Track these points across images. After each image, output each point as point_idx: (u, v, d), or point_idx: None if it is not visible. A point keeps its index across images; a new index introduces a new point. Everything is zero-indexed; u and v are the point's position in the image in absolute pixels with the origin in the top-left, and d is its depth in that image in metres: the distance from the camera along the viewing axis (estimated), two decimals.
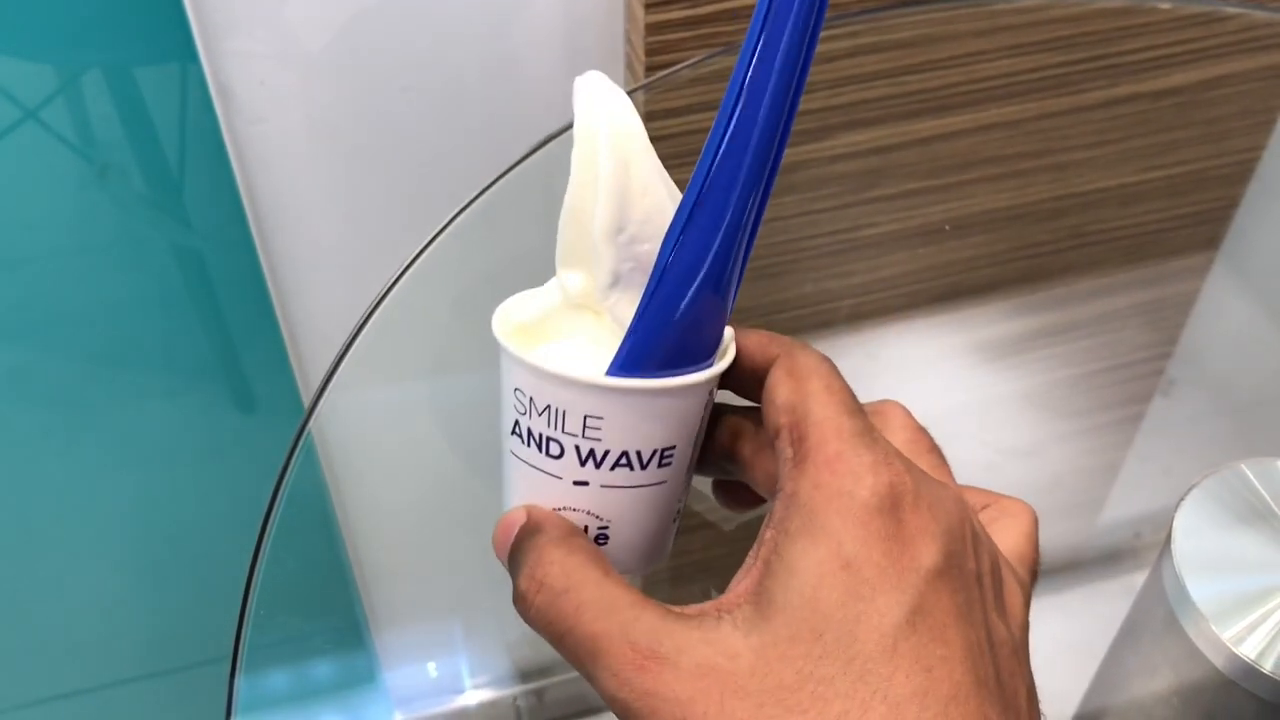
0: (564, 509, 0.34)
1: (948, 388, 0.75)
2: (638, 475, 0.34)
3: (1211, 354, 0.82)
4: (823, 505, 0.29)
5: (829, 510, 0.29)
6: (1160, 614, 0.41)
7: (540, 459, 0.34)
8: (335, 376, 0.60)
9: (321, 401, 0.59)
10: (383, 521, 0.84)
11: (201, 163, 0.76)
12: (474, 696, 0.92)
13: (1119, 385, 0.80)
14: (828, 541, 0.29)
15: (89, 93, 0.76)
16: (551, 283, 0.35)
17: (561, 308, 0.35)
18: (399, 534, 0.84)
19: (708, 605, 0.30)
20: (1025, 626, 0.33)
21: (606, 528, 0.34)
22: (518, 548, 0.33)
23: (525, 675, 0.82)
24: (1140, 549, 0.91)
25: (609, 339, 0.33)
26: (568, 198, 0.33)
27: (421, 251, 0.63)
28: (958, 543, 0.30)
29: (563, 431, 0.33)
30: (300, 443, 0.56)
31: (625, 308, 0.33)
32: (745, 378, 0.35)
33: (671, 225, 0.31)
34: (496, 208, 0.64)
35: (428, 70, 0.73)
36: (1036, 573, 0.35)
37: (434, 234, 0.63)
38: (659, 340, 0.32)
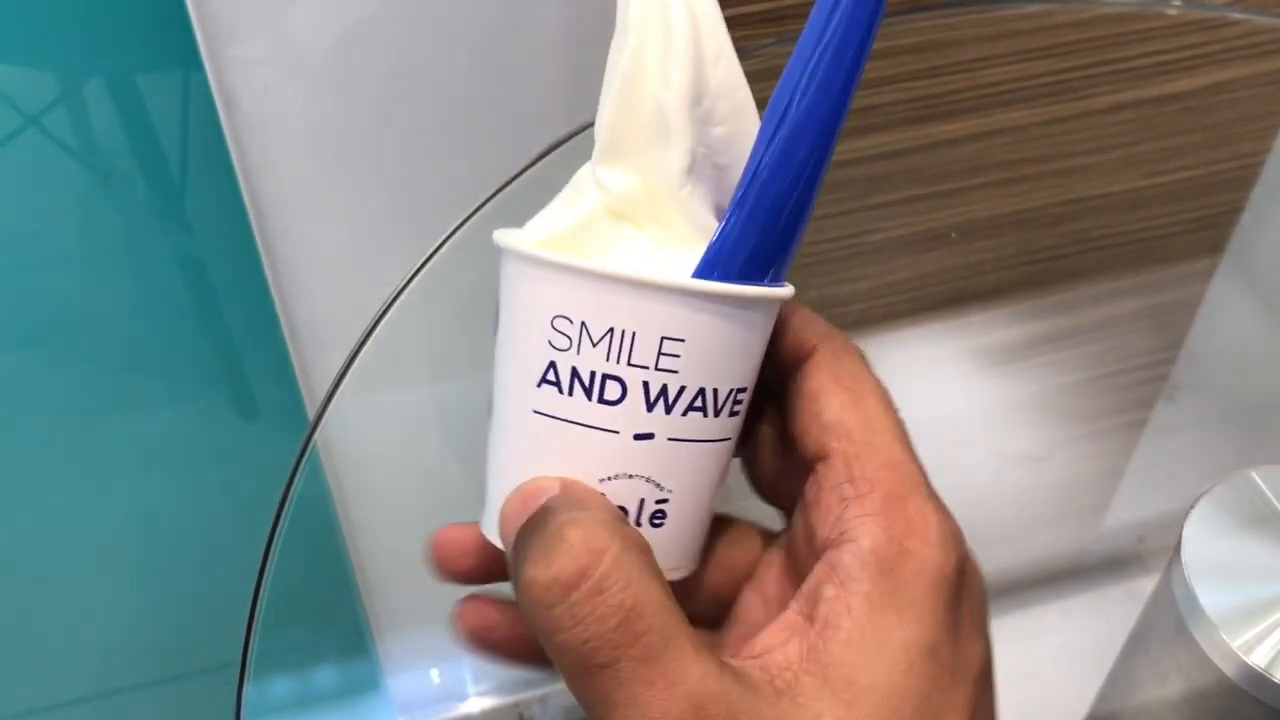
0: (618, 475, 0.27)
1: (953, 393, 0.75)
2: (709, 425, 0.27)
3: (1216, 359, 0.82)
4: (913, 575, 0.26)
5: (919, 582, 0.26)
6: (1170, 622, 0.41)
7: (590, 410, 0.26)
8: (342, 385, 0.60)
9: (328, 410, 0.59)
10: (386, 528, 0.84)
11: (204, 170, 0.76)
12: (477, 704, 0.92)
13: (1124, 390, 0.80)
14: (917, 622, 0.26)
15: (91, 100, 0.76)
16: (581, 189, 0.29)
17: (597, 217, 0.28)
18: (402, 541, 0.84)
19: (750, 665, 0.26)
20: None
21: (666, 501, 0.27)
22: (545, 518, 0.26)
23: (529, 682, 0.82)
24: (1145, 554, 0.91)
25: (669, 250, 0.27)
26: (621, 69, 0.27)
27: (426, 261, 0.63)
28: (987, 633, 0.29)
29: (628, 364, 0.26)
30: (307, 451, 0.56)
31: (699, 203, 0.28)
32: (775, 357, 0.30)
33: (774, 99, 0.27)
34: (501, 216, 0.64)
35: (431, 78, 0.73)
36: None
37: (439, 243, 0.63)
38: (759, 243, 0.27)
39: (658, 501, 0.27)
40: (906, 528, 0.27)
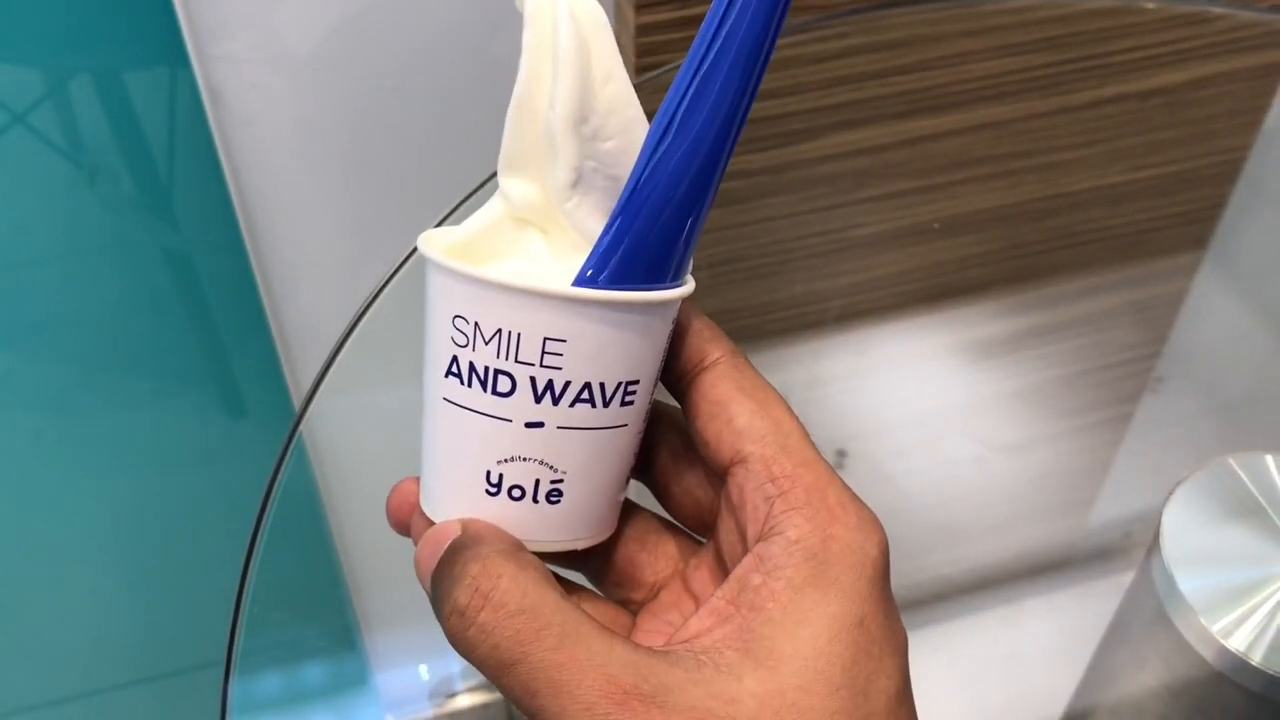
0: (513, 459, 0.30)
1: (937, 388, 0.75)
2: (599, 414, 0.30)
3: (1200, 353, 0.82)
4: (836, 558, 0.28)
5: (843, 565, 0.28)
6: (1150, 608, 0.41)
7: (485, 400, 0.29)
8: (325, 380, 0.60)
9: (312, 405, 0.59)
10: (374, 524, 0.84)
11: (191, 166, 0.76)
12: (465, 700, 0.92)
13: (1108, 385, 0.81)
14: (841, 597, 0.27)
15: (77, 97, 0.76)
16: (490, 200, 0.31)
17: (502, 223, 0.31)
18: (390, 537, 0.84)
19: (677, 648, 0.28)
20: None
21: (561, 481, 0.30)
22: (452, 559, 0.28)
23: None
24: (1130, 548, 0.91)
25: (563, 255, 0.30)
26: (517, 89, 0.30)
27: (410, 255, 0.63)
28: None
29: (515, 361, 0.29)
30: (291, 446, 0.56)
31: (586, 213, 0.30)
32: (673, 368, 0.32)
33: (662, 110, 0.28)
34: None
35: (418, 73, 0.73)
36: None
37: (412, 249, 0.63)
38: (638, 249, 0.29)
39: (553, 481, 0.30)
40: (829, 516, 0.28)
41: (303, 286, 0.80)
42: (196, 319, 0.87)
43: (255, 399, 0.91)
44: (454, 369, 0.29)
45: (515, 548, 0.29)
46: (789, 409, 0.30)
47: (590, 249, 0.29)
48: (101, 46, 0.74)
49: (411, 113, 0.74)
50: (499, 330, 0.29)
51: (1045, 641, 0.82)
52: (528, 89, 0.30)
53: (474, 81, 0.75)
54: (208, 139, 0.72)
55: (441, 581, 0.28)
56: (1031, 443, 0.79)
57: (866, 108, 0.68)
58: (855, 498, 0.29)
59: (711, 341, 0.31)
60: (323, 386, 0.61)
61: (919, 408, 0.73)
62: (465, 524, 0.29)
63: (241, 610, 0.53)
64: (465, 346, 0.29)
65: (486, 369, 0.29)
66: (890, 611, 0.28)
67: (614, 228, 0.29)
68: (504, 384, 0.29)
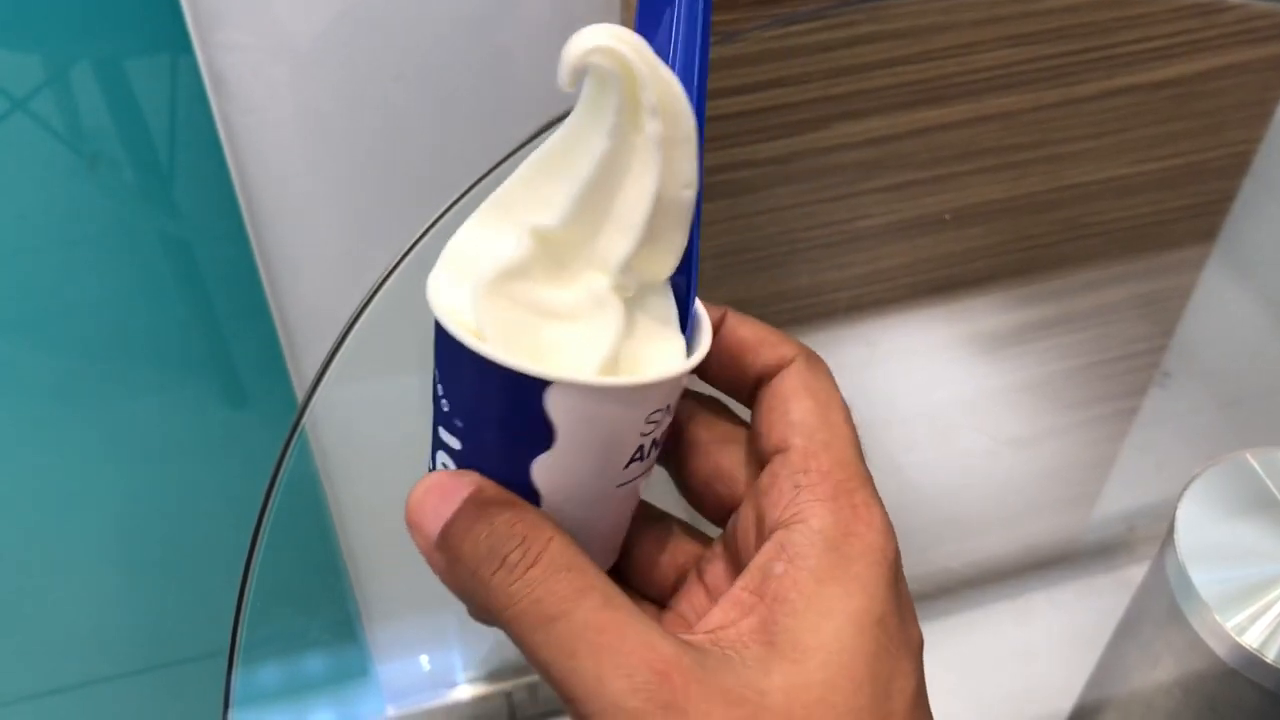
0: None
1: (945, 379, 0.75)
2: (646, 464, 0.31)
3: (1207, 347, 0.82)
4: (859, 554, 0.28)
5: (865, 561, 0.28)
6: (1163, 603, 0.41)
7: (630, 469, 0.30)
8: (329, 370, 0.60)
9: (315, 395, 0.59)
10: (376, 516, 0.84)
11: (193, 154, 0.75)
12: (466, 691, 0.91)
13: (1115, 378, 0.80)
14: (863, 593, 0.27)
15: (78, 84, 0.75)
16: (505, 231, 0.28)
17: (535, 265, 0.28)
18: (392, 528, 0.83)
19: (702, 639, 0.27)
20: None
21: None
22: (489, 515, 0.28)
23: (518, 669, 0.82)
24: (1134, 543, 0.91)
25: (618, 306, 0.28)
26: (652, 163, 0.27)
27: (414, 245, 0.63)
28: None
29: (659, 429, 0.30)
30: (295, 437, 0.56)
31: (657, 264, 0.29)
32: (733, 369, 0.32)
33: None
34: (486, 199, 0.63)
35: (422, 60, 0.72)
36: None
37: (426, 227, 0.62)
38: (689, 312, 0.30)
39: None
40: (853, 514, 0.28)
41: (305, 274, 0.80)
42: (198, 307, 0.87)
43: (257, 388, 0.91)
44: (640, 456, 0.30)
45: (547, 515, 0.29)
46: (848, 416, 0.31)
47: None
48: (103, 33, 0.73)
49: (415, 100, 0.74)
50: (663, 408, 0.30)
51: (1050, 636, 0.82)
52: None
53: (478, 69, 0.74)
54: (210, 126, 0.72)
55: (476, 534, 0.27)
56: (1039, 436, 0.79)
57: (874, 98, 0.68)
58: (880, 505, 0.29)
59: (784, 344, 0.32)
60: (326, 377, 0.60)
61: (926, 400, 0.73)
62: (483, 482, 0.28)
63: (245, 601, 0.53)
64: (649, 433, 0.30)
65: (641, 446, 0.30)
66: (907, 615, 0.29)
67: (689, 292, 0.30)
68: (640, 454, 0.30)
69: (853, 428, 0.31)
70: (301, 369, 0.86)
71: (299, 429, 0.56)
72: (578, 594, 0.26)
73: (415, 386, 0.71)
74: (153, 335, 0.88)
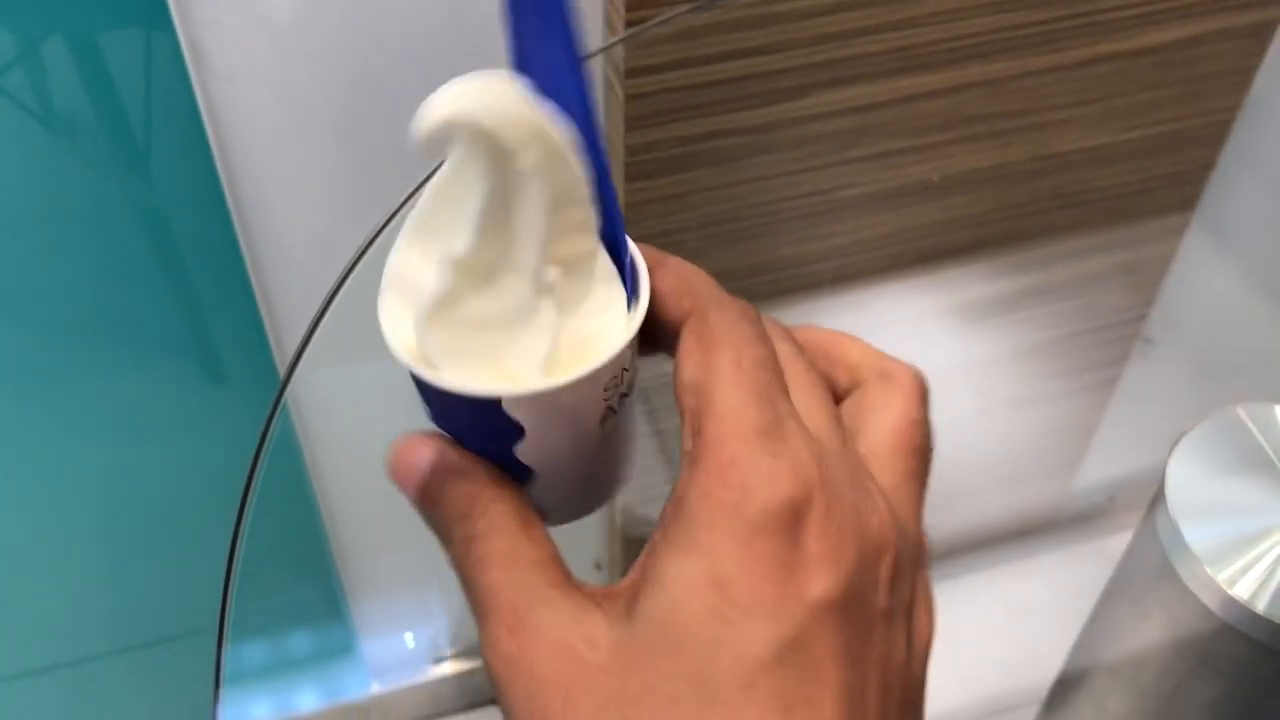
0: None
1: (927, 349, 0.75)
2: (620, 413, 0.33)
3: (1187, 315, 0.82)
4: (705, 519, 0.26)
5: (711, 525, 0.26)
6: (1153, 559, 0.41)
7: (606, 425, 0.32)
8: (309, 347, 0.59)
9: (295, 371, 0.58)
10: (358, 493, 0.83)
11: (171, 127, 0.74)
12: (451, 666, 0.91)
13: (1097, 347, 0.81)
14: (701, 559, 0.26)
15: (50, 57, 0.74)
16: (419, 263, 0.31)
17: (462, 286, 0.30)
18: (375, 506, 0.83)
19: (602, 588, 0.29)
20: (928, 655, 0.30)
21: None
22: (443, 484, 0.31)
23: None
24: (1114, 512, 0.92)
25: (534, 302, 0.30)
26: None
27: (390, 218, 0.62)
28: (867, 574, 0.27)
29: (620, 387, 0.32)
30: (277, 413, 0.55)
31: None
32: (655, 327, 0.31)
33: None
34: None
35: (406, 28, 0.72)
36: (928, 449, 0.32)
37: (402, 201, 0.62)
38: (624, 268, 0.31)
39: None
40: (714, 471, 0.27)
41: (288, 247, 0.79)
42: (177, 282, 0.86)
43: (237, 365, 0.90)
44: (608, 414, 0.32)
45: (495, 479, 0.31)
46: (741, 350, 0.29)
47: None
48: (76, 8, 0.72)
49: (401, 70, 0.73)
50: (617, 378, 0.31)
51: (1034, 603, 0.82)
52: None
53: (460, 40, 0.73)
54: (189, 98, 0.71)
55: (436, 504, 0.31)
56: (1020, 405, 0.79)
57: (857, 65, 0.68)
58: (763, 450, 0.27)
59: (689, 295, 0.31)
60: (306, 353, 0.60)
61: None
62: (440, 447, 0.31)
63: (232, 578, 0.53)
64: (613, 396, 0.32)
65: (609, 407, 0.32)
66: (774, 575, 0.26)
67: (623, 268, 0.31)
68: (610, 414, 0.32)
69: (749, 367, 0.29)
70: (284, 345, 0.86)
71: (280, 406, 0.56)
72: (479, 561, 0.29)
73: (399, 365, 0.70)
74: (130, 312, 0.87)
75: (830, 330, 0.35)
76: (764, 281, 0.72)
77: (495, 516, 0.30)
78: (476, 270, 0.29)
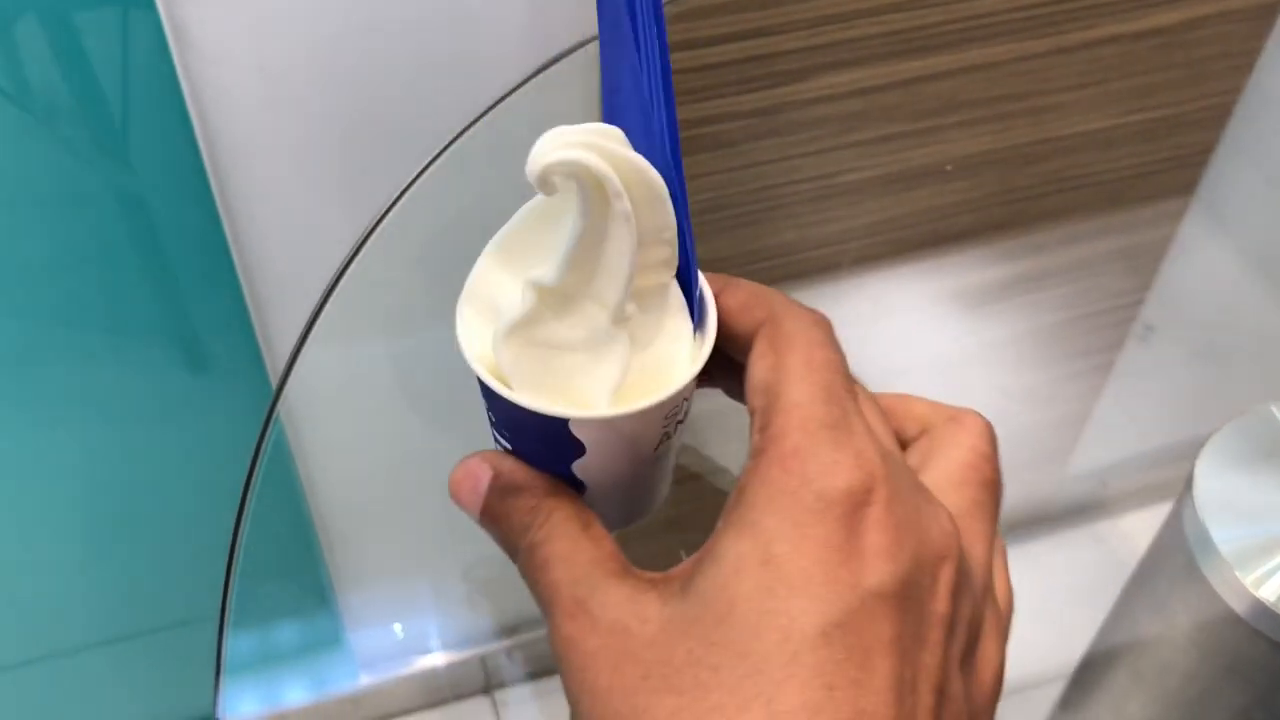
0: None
1: (927, 336, 0.74)
2: (674, 439, 0.35)
3: (1187, 300, 0.82)
4: (763, 503, 0.27)
5: (768, 508, 0.27)
6: (1179, 558, 0.40)
7: (660, 450, 0.34)
8: (309, 338, 0.59)
9: (296, 363, 0.57)
10: (347, 483, 0.82)
11: (152, 108, 0.73)
12: (441, 657, 0.90)
13: (1097, 331, 0.80)
14: (755, 539, 0.27)
15: (24, 37, 0.72)
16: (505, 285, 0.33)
17: (543, 309, 0.32)
18: (363, 496, 0.82)
19: (660, 574, 0.30)
20: (993, 697, 0.30)
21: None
22: (502, 501, 0.33)
23: (493, 634, 0.81)
24: (1107, 499, 0.91)
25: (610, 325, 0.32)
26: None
27: (382, 217, 0.61)
28: (924, 575, 0.27)
29: (679, 416, 0.33)
30: (277, 405, 0.54)
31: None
32: (734, 347, 0.32)
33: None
34: (466, 156, 0.62)
35: (394, 10, 0.70)
36: (997, 485, 0.33)
37: (400, 192, 0.61)
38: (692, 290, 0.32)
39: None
40: (776, 462, 0.28)
41: (273, 233, 0.78)
42: (158, 267, 0.84)
43: (220, 351, 0.89)
44: (664, 439, 0.34)
45: (551, 489, 0.32)
46: (810, 352, 0.30)
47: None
48: None
49: (391, 51, 0.72)
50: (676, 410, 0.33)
51: (1028, 594, 0.82)
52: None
53: (454, 19, 0.72)
54: (172, 80, 0.69)
55: (498, 519, 0.33)
56: (1019, 392, 0.78)
57: (858, 47, 0.67)
58: (827, 442, 0.28)
59: (759, 306, 0.32)
60: (306, 345, 0.59)
61: (907, 357, 0.72)
62: (496, 463, 0.33)
63: (234, 568, 0.53)
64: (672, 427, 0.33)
65: (666, 434, 0.33)
66: (827, 560, 0.26)
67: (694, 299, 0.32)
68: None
69: (819, 368, 0.30)
70: (269, 332, 0.84)
71: (281, 395, 0.55)
72: (543, 564, 0.31)
73: (386, 355, 0.69)
74: (110, 297, 0.85)
75: (893, 393, 0.36)
76: (760, 269, 0.71)
77: (555, 523, 0.31)
78: (559, 296, 0.31)
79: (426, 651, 0.88)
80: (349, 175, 0.77)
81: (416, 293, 0.64)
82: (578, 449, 0.32)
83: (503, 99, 0.64)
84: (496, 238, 0.33)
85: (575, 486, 0.33)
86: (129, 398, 0.91)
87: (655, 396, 0.31)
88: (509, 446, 0.34)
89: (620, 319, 0.31)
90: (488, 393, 0.32)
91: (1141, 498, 0.83)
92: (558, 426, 0.31)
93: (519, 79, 0.64)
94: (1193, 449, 0.42)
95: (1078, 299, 0.78)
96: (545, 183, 0.29)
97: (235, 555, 0.50)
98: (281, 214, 0.77)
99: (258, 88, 0.70)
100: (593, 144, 0.29)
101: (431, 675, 0.90)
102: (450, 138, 0.62)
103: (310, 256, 0.79)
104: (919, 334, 0.73)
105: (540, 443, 0.33)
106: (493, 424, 0.34)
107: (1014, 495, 0.82)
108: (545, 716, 0.84)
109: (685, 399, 0.33)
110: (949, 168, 0.69)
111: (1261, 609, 0.38)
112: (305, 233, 0.78)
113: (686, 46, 0.61)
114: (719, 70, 0.64)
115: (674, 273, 0.32)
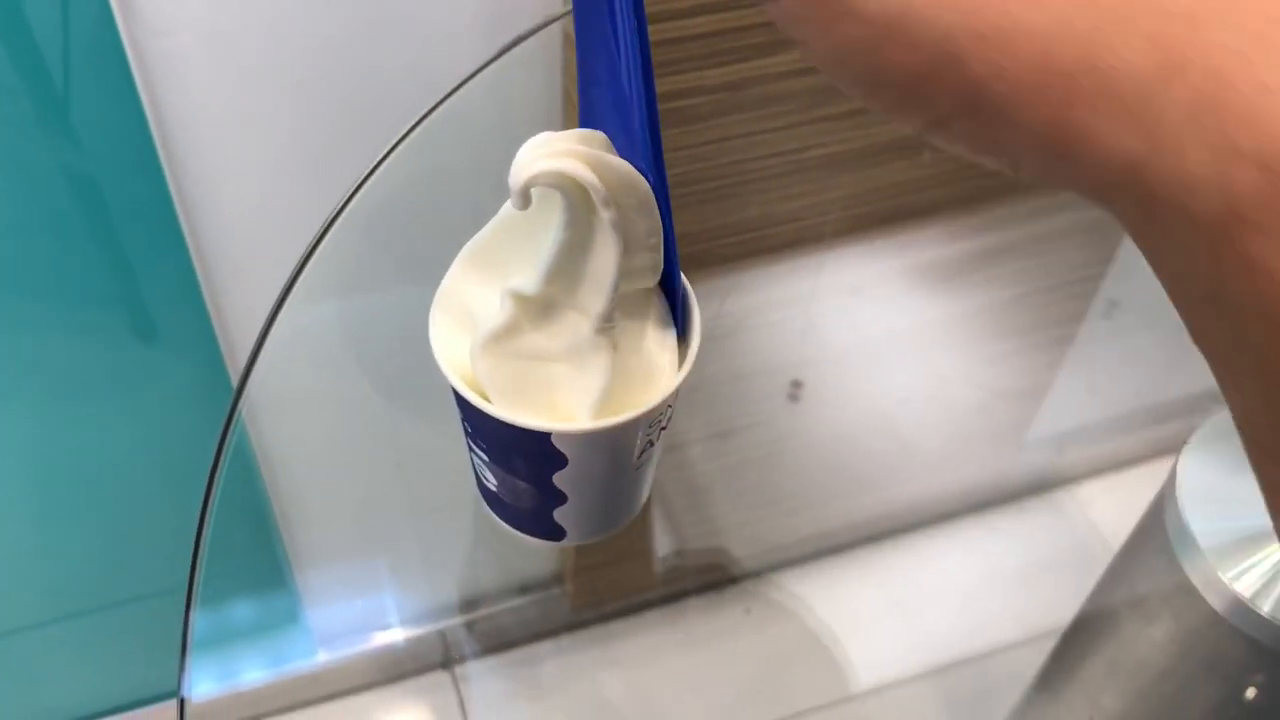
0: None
1: (891, 310, 0.74)
2: (656, 446, 0.35)
3: (1147, 273, 0.82)
4: None
5: None
6: (1159, 556, 0.40)
7: (641, 458, 0.34)
8: (251, 321, 0.57)
9: (238, 340, 0.56)
10: (303, 461, 0.81)
11: (99, 80, 0.70)
12: (400, 633, 0.89)
13: (1057, 304, 0.80)
14: None
15: None
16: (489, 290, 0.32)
17: (521, 319, 0.31)
18: (319, 472, 0.81)
19: None
20: None
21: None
22: None
23: (451, 609, 0.80)
24: (1063, 466, 0.92)
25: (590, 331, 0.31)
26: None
27: (340, 211, 0.60)
28: None
29: (661, 423, 0.33)
30: (245, 386, 0.53)
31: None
32: None
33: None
34: (417, 146, 0.61)
35: None
36: None
37: (361, 180, 0.59)
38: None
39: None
40: None
41: (223, 201, 0.76)
42: (105, 237, 0.82)
43: (169, 320, 0.87)
44: (646, 447, 0.33)
45: None
46: None
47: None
48: None
49: (344, 21, 0.70)
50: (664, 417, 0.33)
51: (988, 565, 0.83)
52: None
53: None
54: (118, 51, 0.67)
55: None
56: (980, 364, 0.78)
57: None
58: None
59: None
60: (249, 323, 0.58)
61: (871, 331, 0.72)
62: None
63: (202, 543, 0.52)
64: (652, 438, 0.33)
65: (649, 441, 0.33)
66: None
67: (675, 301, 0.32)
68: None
69: None
70: (219, 302, 0.82)
71: (249, 377, 0.53)
72: None
73: (343, 336, 0.68)
74: (57, 267, 0.83)
75: None
76: (726, 245, 0.70)
77: None
78: (539, 306, 0.30)
79: (385, 627, 0.87)
80: (302, 146, 0.75)
81: (378, 274, 0.63)
82: (559, 461, 0.31)
83: (470, 79, 0.63)
84: (470, 245, 0.32)
85: (556, 497, 0.33)
86: (77, 367, 0.89)
87: (640, 407, 0.31)
88: (485, 459, 0.33)
89: (604, 327, 0.30)
90: (463, 404, 0.31)
91: (1099, 465, 0.84)
92: (539, 439, 0.30)
93: (486, 57, 0.62)
94: (1153, 418, 0.42)
95: (1038, 272, 0.78)
96: (524, 196, 0.28)
97: (202, 536, 0.50)
98: (233, 184, 0.75)
99: (208, 59, 0.68)
100: (577, 152, 0.28)
101: (390, 650, 0.89)
102: (408, 110, 0.60)
103: (262, 228, 0.77)
104: (885, 308, 0.73)
105: (521, 455, 0.32)
106: (468, 434, 0.33)
107: (977, 468, 0.82)
108: (505, 689, 0.84)
109: (669, 405, 0.32)
110: (926, 155, 0.68)
111: (1240, 605, 0.38)
112: (258, 203, 0.76)
113: (653, 20, 0.60)
114: (686, 44, 0.62)
115: (659, 278, 0.31)
